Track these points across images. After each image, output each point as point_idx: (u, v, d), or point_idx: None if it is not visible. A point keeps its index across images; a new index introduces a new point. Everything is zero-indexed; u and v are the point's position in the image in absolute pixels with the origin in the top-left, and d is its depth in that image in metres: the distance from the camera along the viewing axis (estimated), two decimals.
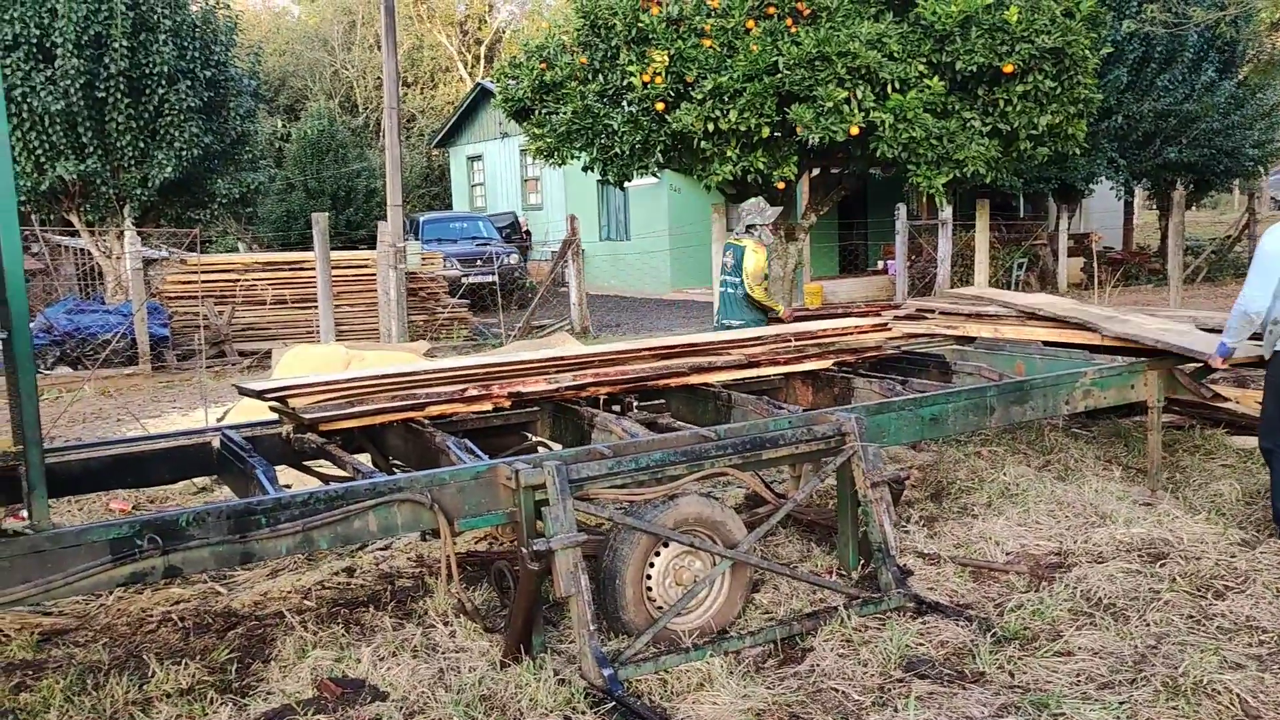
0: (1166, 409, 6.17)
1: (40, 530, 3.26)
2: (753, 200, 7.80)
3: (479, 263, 17.87)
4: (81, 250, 15.19)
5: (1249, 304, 4.87)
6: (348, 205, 24.92)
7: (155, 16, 13.31)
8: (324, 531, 3.65)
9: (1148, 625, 4.04)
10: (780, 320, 7.37)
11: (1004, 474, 6.04)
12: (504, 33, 40.20)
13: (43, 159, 13.17)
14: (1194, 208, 23.45)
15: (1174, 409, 6.98)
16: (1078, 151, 11.10)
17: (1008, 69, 9.60)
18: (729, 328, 7.26)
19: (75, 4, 12.53)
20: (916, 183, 9.93)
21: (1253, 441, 6.28)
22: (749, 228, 7.57)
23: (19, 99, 12.69)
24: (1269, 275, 4.82)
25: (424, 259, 15.83)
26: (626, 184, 11.63)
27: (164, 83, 13.35)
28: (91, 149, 13.27)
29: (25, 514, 3.62)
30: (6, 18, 12.51)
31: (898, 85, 9.49)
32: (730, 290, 7.64)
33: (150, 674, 3.82)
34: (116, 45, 12.80)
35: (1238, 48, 17.98)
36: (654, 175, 11.53)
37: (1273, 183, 24.93)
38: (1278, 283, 4.81)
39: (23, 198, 13.48)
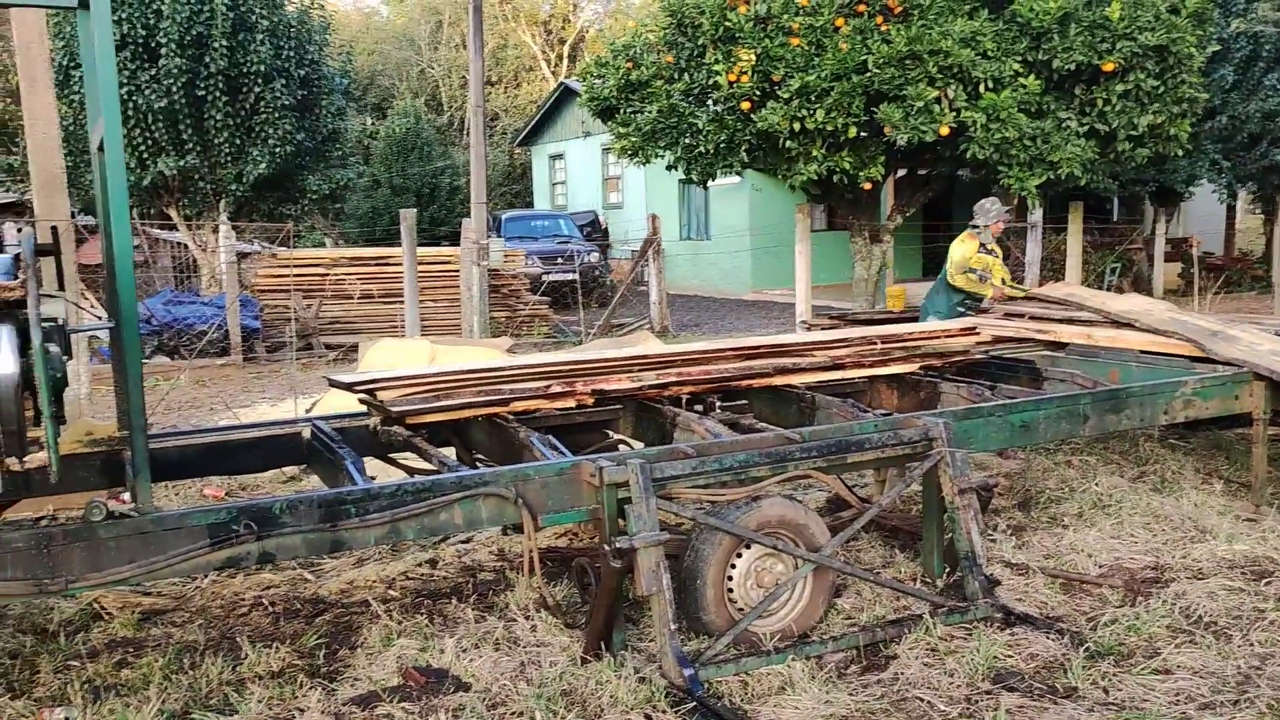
0: (1273, 421, 5.90)
1: (144, 513, 3.37)
2: (987, 199, 8.24)
3: (560, 260, 18.01)
4: (178, 243, 15.74)
5: None
6: (431, 202, 25.33)
7: (254, 17, 13.73)
8: (411, 523, 3.71)
9: (1251, 645, 3.87)
10: (982, 310, 7.65)
11: (1096, 484, 5.86)
12: (587, 32, 40.44)
13: (145, 155, 13.68)
14: None
15: None
16: (1179, 153, 10.71)
17: (1108, 67, 9.31)
18: (927, 313, 8.08)
19: (179, 5, 12.98)
20: (1008, 185, 9.70)
21: None
22: (972, 226, 8.10)
23: (125, 97, 13.20)
24: None
25: (506, 256, 16.00)
26: (709, 183, 11.59)
27: (260, 81, 13.76)
28: (191, 145, 13.74)
29: (127, 497, 3.75)
30: (115, 19, 13.00)
31: (991, 84, 9.28)
32: (939, 278, 8.27)
33: (243, 656, 3.93)
34: (216, 45, 13.23)
35: None
36: (737, 175, 11.47)
37: None
38: None
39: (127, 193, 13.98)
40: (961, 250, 8.00)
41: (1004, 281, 7.95)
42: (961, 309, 7.92)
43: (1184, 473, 6.15)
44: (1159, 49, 9.40)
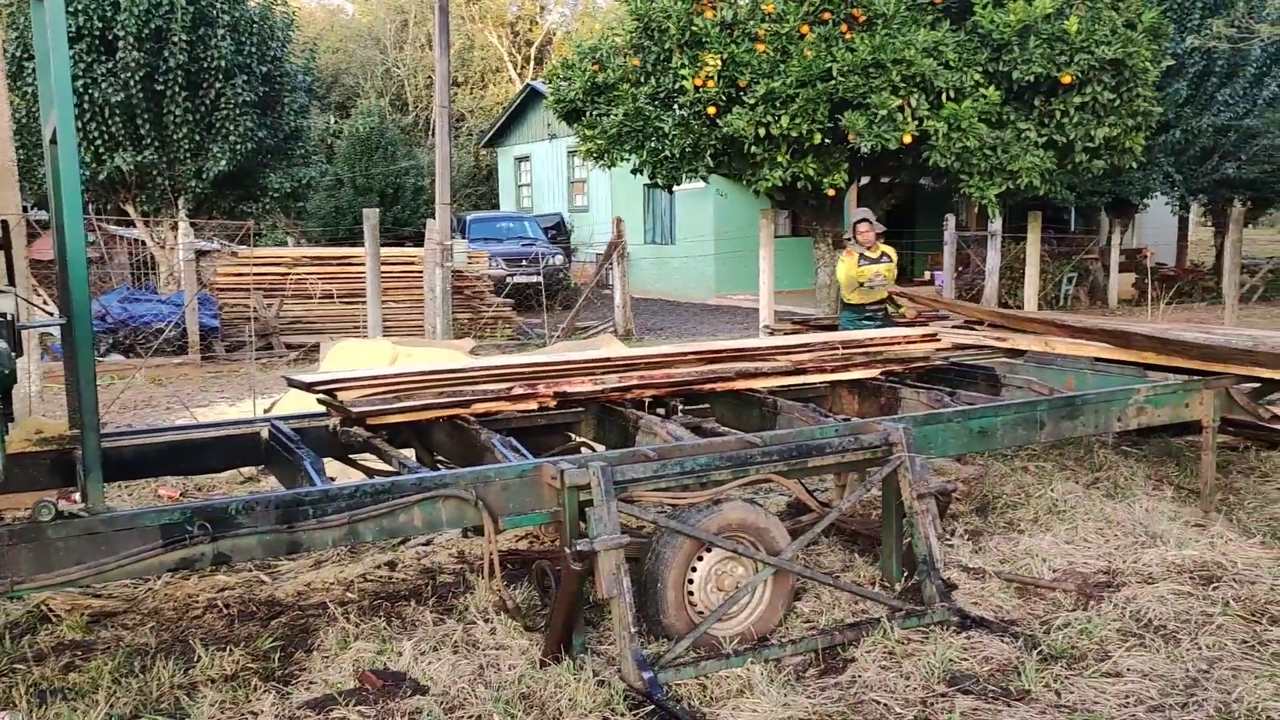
0: (1221, 429, 6.02)
1: (95, 513, 3.31)
2: (856, 212, 8.27)
3: (524, 263, 17.96)
4: (136, 240, 15.49)
5: None
6: (395, 203, 25.15)
7: (214, 11, 13.55)
8: (369, 525, 3.68)
9: (1200, 649, 3.94)
10: (901, 318, 7.74)
11: (1051, 490, 5.94)
12: (554, 35, 40.40)
13: (101, 150, 13.45)
14: (1251, 225, 22.95)
15: (1229, 429, 6.82)
16: (1134, 165, 10.92)
17: (1066, 79, 9.47)
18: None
19: None
20: (968, 193, 9.83)
21: None
22: (848, 239, 8.24)
23: (81, 90, 12.98)
24: None
25: (470, 258, 15.94)
26: (674, 188, 11.62)
27: (221, 77, 13.58)
28: (149, 141, 13.52)
29: (78, 497, 3.68)
30: (71, 10, 12.79)
31: (953, 94, 9.40)
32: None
33: (195, 659, 3.87)
34: (176, 39, 13.04)
35: None
36: (702, 179, 11.51)
37: None
38: None
39: (82, 188, 13.74)
40: (844, 268, 8.03)
41: (893, 274, 8.01)
42: (866, 322, 7.90)
43: (1136, 479, 6.25)
44: (1115, 63, 9.57)
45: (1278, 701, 3.48)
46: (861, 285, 7.90)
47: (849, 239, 8.13)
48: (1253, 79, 16.73)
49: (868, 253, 7.97)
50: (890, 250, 8.10)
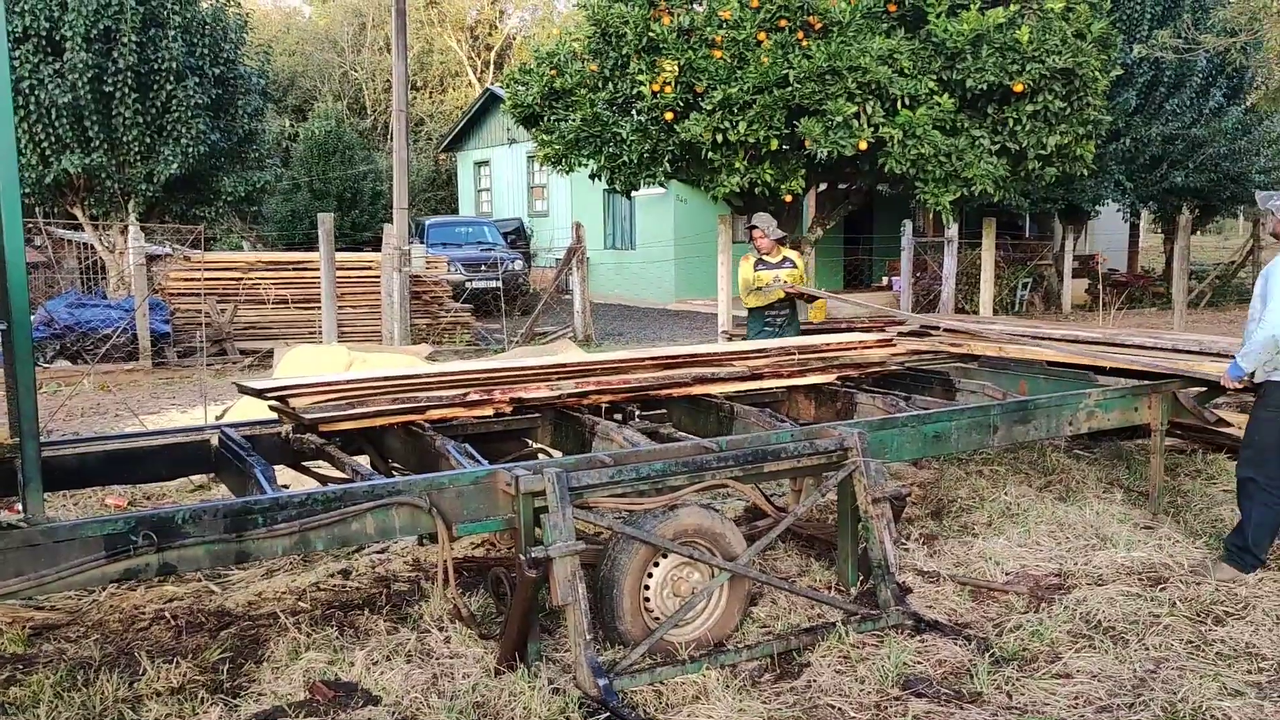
0: (1169, 432, 6.13)
1: (34, 524, 3.23)
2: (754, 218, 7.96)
3: (483, 268, 17.87)
4: (85, 244, 15.19)
5: (1278, 328, 4.68)
6: (353, 207, 24.92)
7: (165, 12, 13.33)
8: (321, 533, 3.63)
9: (1147, 650, 4.00)
10: (809, 327, 7.68)
11: (1005, 493, 6.01)
12: (514, 39, 40.29)
13: (48, 152, 13.17)
14: (1199, 232, 23.46)
15: (1176, 433, 6.95)
16: (1085, 173, 11.11)
17: (1018, 88, 9.60)
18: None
19: None
20: (924, 199, 9.93)
21: None
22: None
23: (26, 91, 12.70)
24: None
25: (428, 263, 15.82)
26: (633, 193, 11.62)
27: (172, 79, 13.36)
28: (97, 143, 13.27)
29: (20, 507, 3.59)
30: (16, 10, 12.52)
31: (907, 101, 9.49)
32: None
33: (141, 672, 3.79)
34: (126, 40, 12.81)
35: (1246, 74, 18.01)
36: (661, 185, 11.52)
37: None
38: None
39: (27, 190, 13.47)
40: (740, 275, 7.83)
41: (801, 279, 7.81)
42: (768, 328, 7.74)
43: (1087, 482, 6.34)
44: (1065, 72, 9.72)
45: (1222, 701, 3.54)
46: (758, 290, 7.66)
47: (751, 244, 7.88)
48: (1199, 89, 17.09)
49: (766, 258, 7.75)
50: (794, 255, 7.88)
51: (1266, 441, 4.79)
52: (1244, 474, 4.87)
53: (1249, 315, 5.06)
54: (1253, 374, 4.89)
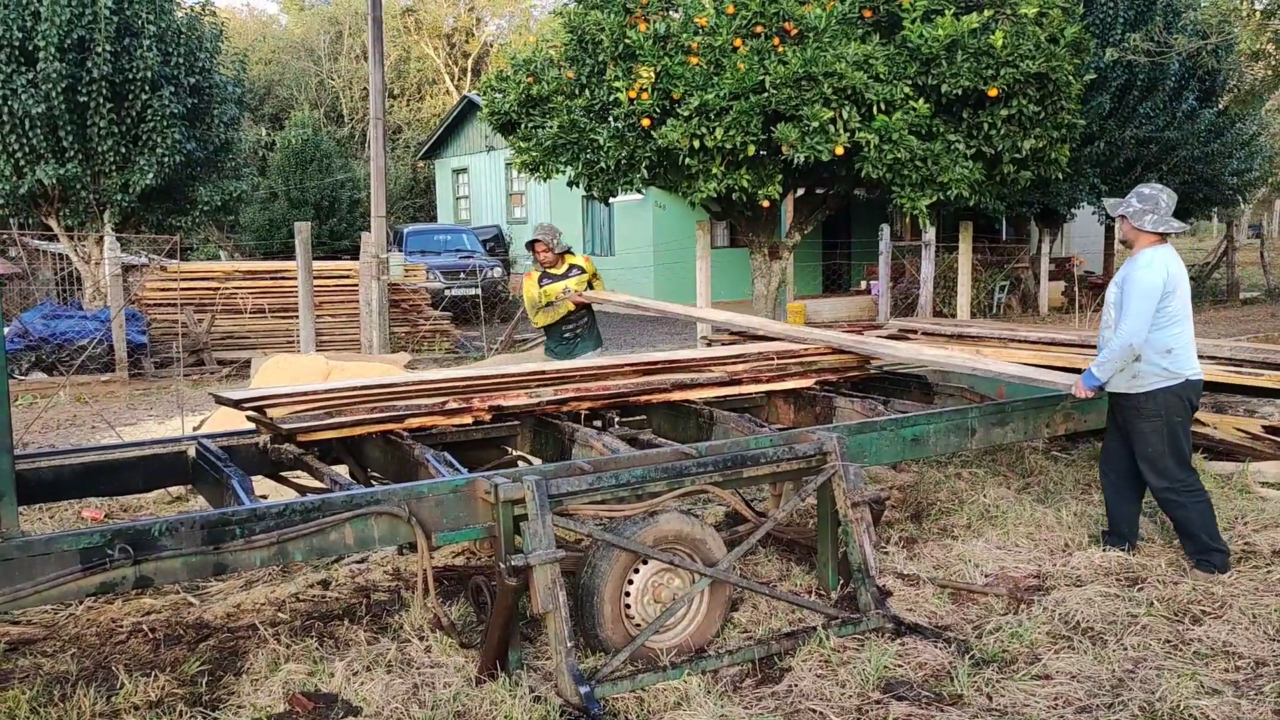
0: None
1: (9, 538, 3.20)
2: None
3: (462, 275, 17.83)
4: (60, 255, 15.05)
5: (1135, 337, 4.72)
6: (331, 215, 24.82)
7: (140, 22, 13.23)
8: (299, 543, 3.61)
9: (1125, 650, 4.03)
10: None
11: (984, 496, 6.05)
12: (491, 46, 40.26)
13: (22, 162, 13.04)
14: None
15: None
16: (1060, 176, 11.20)
17: (992, 93, 9.67)
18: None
19: (59, 7, 12.44)
20: (900, 204, 9.98)
21: (1231, 467, 6.32)
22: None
23: (0, 101, 12.58)
24: (1149, 308, 4.73)
25: (407, 271, 15.77)
26: (611, 200, 11.62)
27: (147, 88, 13.26)
28: (72, 153, 13.15)
29: None
30: None
31: (883, 106, 9.54)
32: None
33: (119, 685, 3.75)
34: (100, 50, 12.71)
35: (1219, 77, 18.22)
36: (639, 191, 11.54)
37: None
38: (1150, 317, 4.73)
39: (1, 201, 13.34)
40: (525, 296, 7.41)
41: (590, 286, 7.39)
42: (566, 342, 7.38)
43: (1065, 484, 6.39)
44: (1039, 76, 9.80)
45: (1200, 699, 3.57)
46: (548, 307, 7.26)
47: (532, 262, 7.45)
48: (1172, 93, 17.28)
49: (551, 270, 7.34)
50: (581, 260, 7.44)
51: (1158, 450, 4.90)
52: (1156, 487, 4.97)
53: (1102, 323, 5.13)
54: (1103, 385, 4.96)
